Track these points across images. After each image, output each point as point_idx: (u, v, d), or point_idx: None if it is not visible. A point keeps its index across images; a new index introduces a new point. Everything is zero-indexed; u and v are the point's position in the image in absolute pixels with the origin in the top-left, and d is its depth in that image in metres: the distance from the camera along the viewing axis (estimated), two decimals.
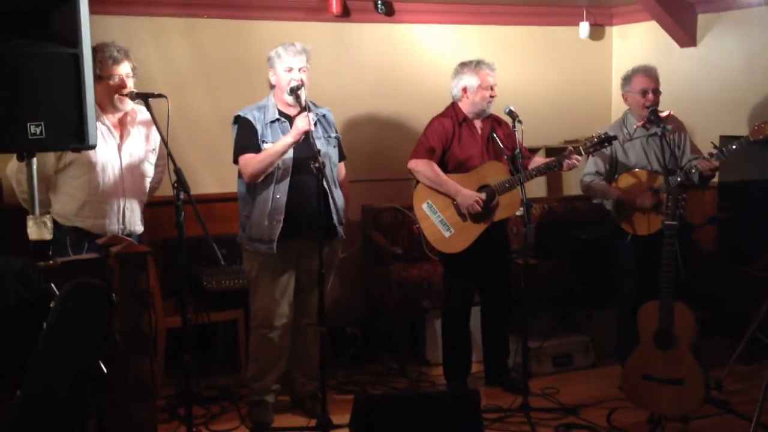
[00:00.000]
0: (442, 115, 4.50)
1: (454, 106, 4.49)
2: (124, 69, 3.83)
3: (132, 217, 3.99)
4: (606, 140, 4.27)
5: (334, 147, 4.22)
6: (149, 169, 4.08)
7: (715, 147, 4.29)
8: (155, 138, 4.05)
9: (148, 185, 4.11)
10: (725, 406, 4.15)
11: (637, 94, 4.54)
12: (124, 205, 3.94)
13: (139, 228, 4.06)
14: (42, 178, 3.68)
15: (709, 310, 5.01)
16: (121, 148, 3.92)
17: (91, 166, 3.80)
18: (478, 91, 4.38)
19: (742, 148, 4.23)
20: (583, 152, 4.30)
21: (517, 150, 4.17)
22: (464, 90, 4.43)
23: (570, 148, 4.35)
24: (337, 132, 4.28)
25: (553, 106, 5.91)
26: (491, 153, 4.43)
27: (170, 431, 4.09)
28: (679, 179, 4.27)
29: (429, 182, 4.39)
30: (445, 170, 4.41)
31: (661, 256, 3.77)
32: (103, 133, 3.80)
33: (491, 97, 4.39)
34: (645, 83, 4.52)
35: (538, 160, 4.52)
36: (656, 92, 4.51)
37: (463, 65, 4.46)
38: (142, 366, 3.14)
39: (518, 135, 4.16)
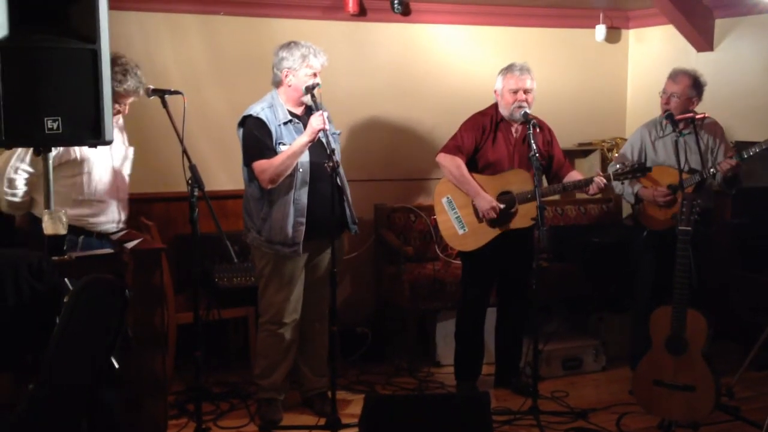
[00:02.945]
0: (483, 112, 4.47)
1: (495, 106, 4.47)
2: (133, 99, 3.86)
3: (123, 215, 3.97)
4: (639, 170, 4.23)
5: (338, 144, 4.21)
6: (128, 171, 4.06)
7: (735, 147, 4.28)
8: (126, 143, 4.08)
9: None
10: (736, 413, 4.13)
11: (660, 95, 4.57)
12: (120, 203, 3.92)
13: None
14: (35, 176, 3.65)
15: (722, 317, 4.99)
16: (112, 148, 3.86)
17: (86, 165, 3.75)
18: (504, 94, 4.35)
19: (762, 152, 4.21)
20: (613, 178, 4.26)
21: (532, 154, 4.11)
22: (495, 92, 4.43)
23: (598, 171, 4.34)
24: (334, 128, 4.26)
25: (568, 108, 5.89)
26: (522, 158, 4.37)
27: (180, 427, 4.10)
28: (697, 179, 4.26)
29: (452, 178, 4.40)
30: (475, 169, 4.41)
31: (675, 259, 3.77)
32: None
33: (520, 101, 4.30)
34: (666, 86, 4.53)
35: (575, 174, 4.47)
36: (679, 96, 4.47)
37: (502, 68, 4.44)
38: (154, 361, 3.16)
39: (532, 141, 4.12)
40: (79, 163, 3.72)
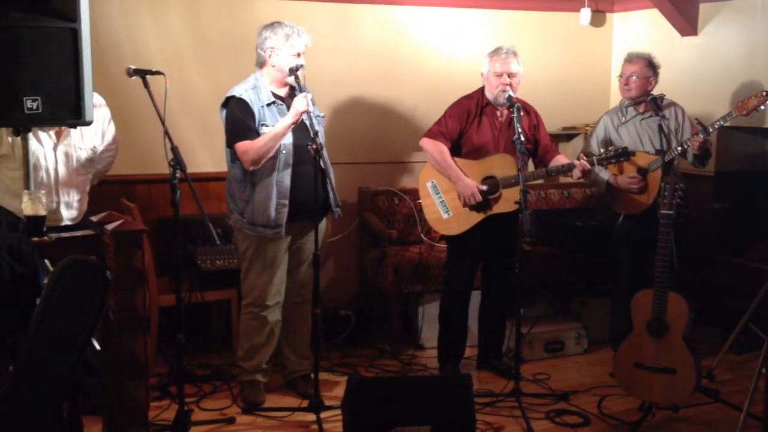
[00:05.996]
0: (469, 96, 4.47)
1: (482, 89, 4.46)
2: None
3: (67, 212, 3.94)
4: (622, 155, 4.25)
5: (323, 126, 4.19)
6: (89, 163, 3.99)
7: (699, 123, 4.33)
8: (101, 126, 4.00)
9: (88, 177, 4.04)
10: (716, 396, 4.16)
11: (618, 79, 4.66)
12: (58, 202, 3.88)
13: (77, 218, 3.99)
14: None
15: (703, 300, 5.03)
16: (57, 147, 3.84)
17: (16, 160, 3.71)
18: (489, 77, 4.35)
19: (726, 123, 4.29)
20: (596, 163, 4.28)
21: (516, 138, 4.09)
22: (482, 75, 4.42)
23: (581, 155, 4.35)
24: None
25: (552, 92, 5.89)
26: (507, 142, 4.36)
27: (162, 409, 4.09)
28: (670, 158, 4.28)
29: (435, 164, 4.40)
30: (459, 153, 4.41)
31: (655, 240, 3.79)
32: (39, 136, 3.75)
33: (503, 85, 4.30)
34: (623, 68, 4.62)
35: (561, 158, 4.48)
36: (638, 75, 4.52)
37: (489, 51, 4.44)
38: (136, 344, 3.14)
39: (517, 124, 4.11)
40: (19, 159, 3.63)
